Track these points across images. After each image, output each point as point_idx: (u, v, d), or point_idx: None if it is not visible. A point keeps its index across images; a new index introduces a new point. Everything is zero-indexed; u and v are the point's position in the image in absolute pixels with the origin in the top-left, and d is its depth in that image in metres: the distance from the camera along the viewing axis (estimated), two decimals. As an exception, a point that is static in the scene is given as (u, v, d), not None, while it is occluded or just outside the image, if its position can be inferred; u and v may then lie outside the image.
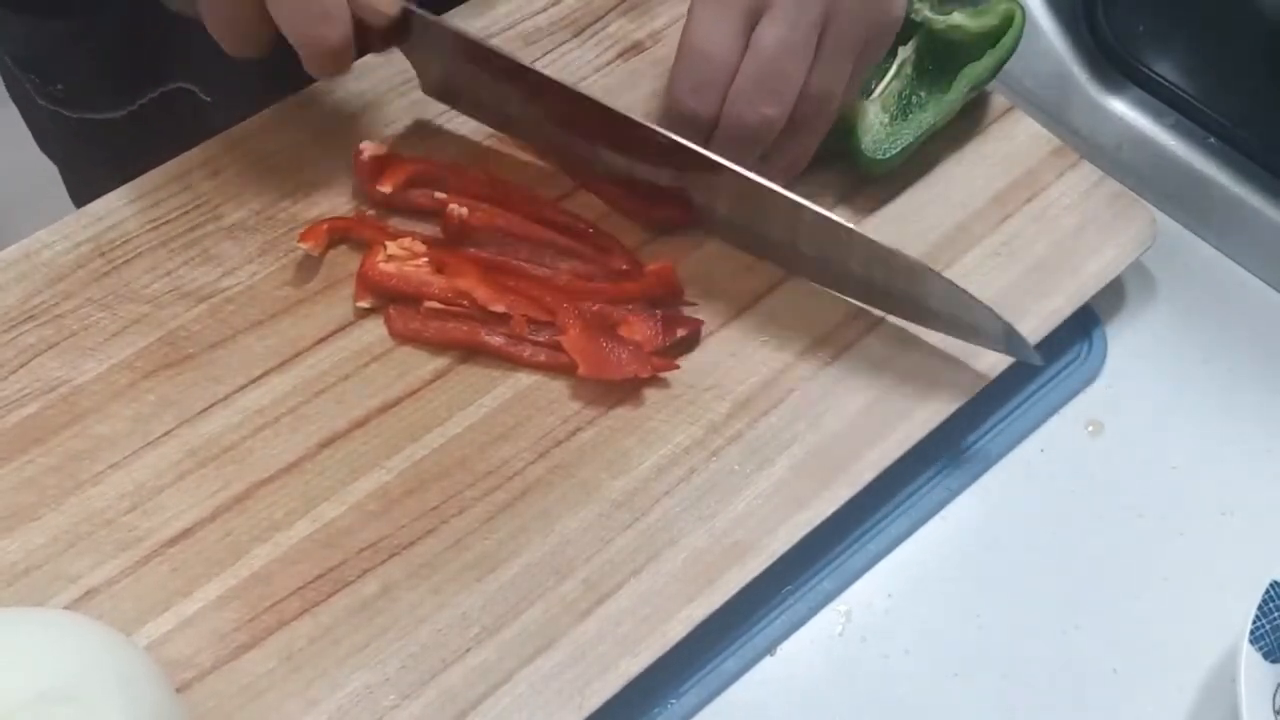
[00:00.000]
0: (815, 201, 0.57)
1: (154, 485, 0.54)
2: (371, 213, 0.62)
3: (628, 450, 0.57)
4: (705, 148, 0.58)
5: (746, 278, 0.62)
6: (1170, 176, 0.70)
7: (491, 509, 0.55)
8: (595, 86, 0.66)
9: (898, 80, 0.65)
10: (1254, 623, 0.52)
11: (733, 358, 0.59)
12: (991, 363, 0.59)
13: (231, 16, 0.56)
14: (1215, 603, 0.56)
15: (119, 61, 0.72)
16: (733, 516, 0.55)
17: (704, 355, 0.59)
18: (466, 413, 0.57)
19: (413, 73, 0.63)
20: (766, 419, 0.58)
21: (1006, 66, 0.66)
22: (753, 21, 0.57)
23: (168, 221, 0.61)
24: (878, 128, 0.64)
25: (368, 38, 0.59)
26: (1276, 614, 0.53)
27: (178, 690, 0.50)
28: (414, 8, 0.59)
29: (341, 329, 0.59)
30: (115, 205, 0.61)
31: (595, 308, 0.59)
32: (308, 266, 0.60)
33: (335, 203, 0.62)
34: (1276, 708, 0.52)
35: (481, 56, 0.60)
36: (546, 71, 0.59)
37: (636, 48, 0.68)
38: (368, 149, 0.61)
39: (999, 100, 0.68)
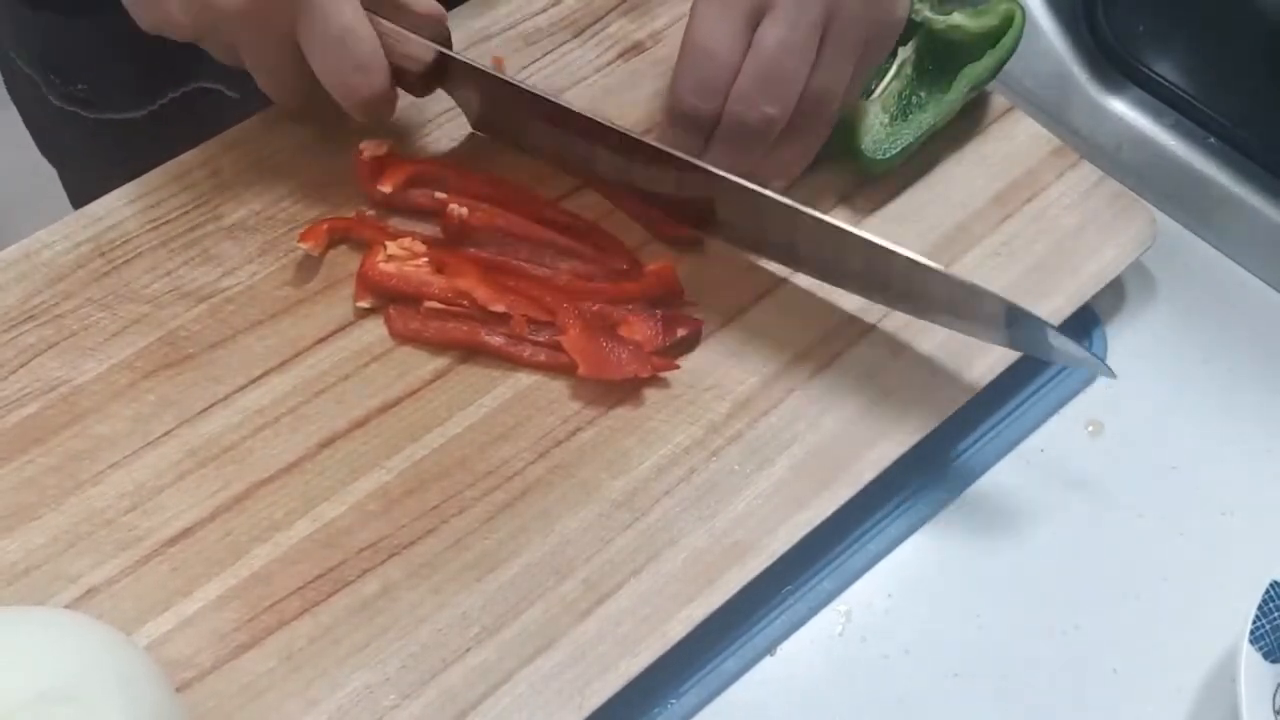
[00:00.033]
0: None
1: (154, 485, 0.54)
2: (371, 213, 0.62)
3: (628, 450, 0.57)
4: (706, 146, 0.59)
5: (747, 278, 0.62)
6: (1170, 176, 0.70)
7: (491, 509, 0.55)
8: (595, 86, 0.67)
9: (898, 80, 0.65)
10: (1254, 623, 0.52)
11: (733, 358, 0.59)
12: (991, 364, 0.59)
13: (275, 66, 0.58)
14: (1215, 603, 0.56)
15: (144, 60, 0.72)
16: (733, 516, 0.55)
17: (704, 355, 0.59)
18: (466, 413, 0.57)
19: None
20: (766, 419, 0.58)
21: (1006, 66, 0.66)
22: (755, 21, 0.57)
23: (168, 221, 0.61)
24: (878, 128, 0.64)
25: (408, 82, 0.59)
26: (1276, 614, 0.53)
27: (178, 690, 0.50)
28: (450, 52, 0.59)
29: (341, 329, 0.59)
30: (115, 205, 0.61)
31: (595, 308, 0.59)
32: (308, 266, 0.60)
33: (335, 203, 0.62)
34: (1276, 708, 0.52)
35: (514, 97, 0.60)
36: (575, 107, 0.59)
37: (637, 48, 0.68)
38: (368, 149, 0.61)
39: (999, 100, 0.68)
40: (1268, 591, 0.53)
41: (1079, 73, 0.73)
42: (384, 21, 0.57)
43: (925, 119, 0.64)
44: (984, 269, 0.62)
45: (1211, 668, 0.56)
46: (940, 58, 0.66)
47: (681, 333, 0.59)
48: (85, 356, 0.57)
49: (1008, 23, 0.65)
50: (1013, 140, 0.67)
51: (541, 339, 0.58)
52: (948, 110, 0.64)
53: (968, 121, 0.67)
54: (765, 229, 0.59)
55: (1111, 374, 0.57)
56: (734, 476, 0.56)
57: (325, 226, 0.60)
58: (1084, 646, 0.56)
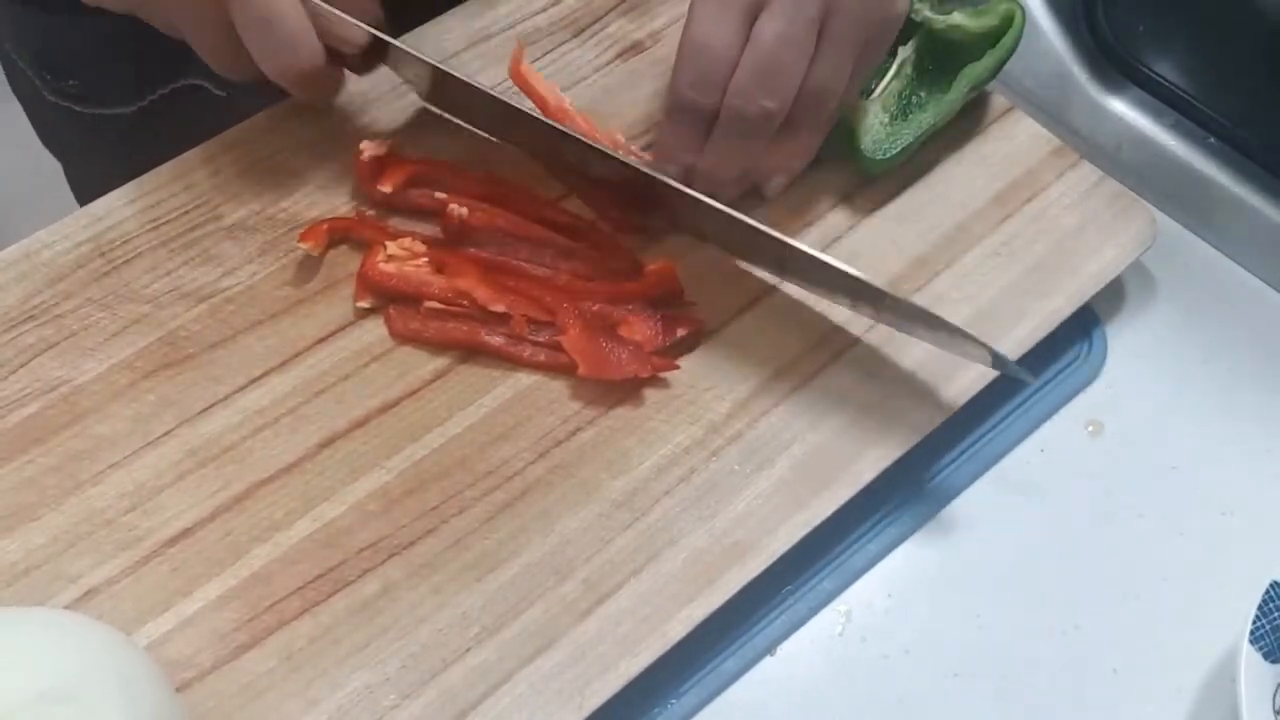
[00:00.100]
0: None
1: (154, 485, 0.54)
2: (371, 213, 0.62)
3: (628, 450, 0.57)
4: (706, 140, 0.59)
5: (746, 278, 0.62)
6: (1170, 176, 0.70)
7: (491, 509, 0.55)
8: (594, 86, 0.67)
9: (898, 80, 0.65)
10: (1254, 623, 0.52)
11: (733, 358, 0.59)
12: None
13: (214, 45, 0.58)
14: (1215, 603, 0.56)
15: (134, 57, 0.73)
16: (733, 516, 0.55)
17: (704, 355, 0.59)
18: (466, 413, 0.57)
19: (413, 73, 0.63)
20: (766, 419, 0.58)
21: (1006, 66, 0.66)
22: (753, 16, 0.57)
23: (168, 221, 0.61)
24: (878, 128, 0.64)
25: (348, 61, 0.60)
26: (1276, 614, 0.53)
27: (178, 690, 0.50)
28: (380, 34, 0.59)
29: (341, 329, 0.59)
30: (115, 205, 0.61)
31: (595, 308, 0.59)
32: (308, 266, 0.60)
33: (335, 203, 0.62)
34: (1276, 708, 0.52)
35: (448, 82, 0.61)
36: (508, 98, 0.59)
37: (636, 48, 0.68)
38: (368, 149, 0.61)
39: (999, 100, 0.68)
40: (1268, 591, 0.53)
41: (1079, 73, 0.73)
42: (315, 2, 0.57)
43: (925, 119, 0.64)
44: (984, 269, 0.62)
45: (1211, 668, 0.56)
46: (940, 57, 0.66)
47: (681, 333, 0.59)
48: (85, 356, 0.57)
49: (1008, 23, 0.65)
50: (1013, 140, 0.67)
51: (541, 339, 0.58)
52: (948, 110, 0.64)
53: (968, 121, 0.67)
54: (720, 239, 0.59)
55: (1032, 379, 0.57)
56: (734, 476, 0.56)
57: (325, 226, 0.60)
58: (1084, 646, 0.56)
